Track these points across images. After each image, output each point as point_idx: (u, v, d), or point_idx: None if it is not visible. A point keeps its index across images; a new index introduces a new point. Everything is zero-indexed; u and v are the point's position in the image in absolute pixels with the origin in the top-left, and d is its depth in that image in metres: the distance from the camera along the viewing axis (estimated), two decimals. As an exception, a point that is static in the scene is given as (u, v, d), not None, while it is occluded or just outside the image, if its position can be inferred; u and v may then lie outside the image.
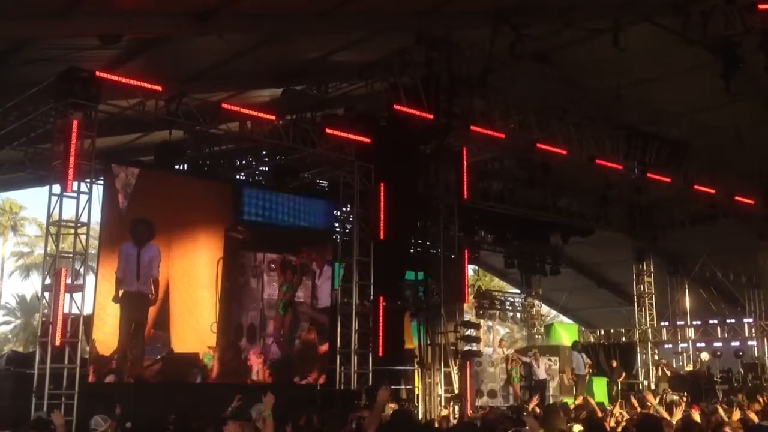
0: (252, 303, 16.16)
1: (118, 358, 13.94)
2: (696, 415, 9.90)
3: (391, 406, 12.97)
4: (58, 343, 12.30)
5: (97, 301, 13.78)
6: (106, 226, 14.40)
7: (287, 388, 15.68)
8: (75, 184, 12.85)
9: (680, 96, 19.19)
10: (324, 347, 16.88)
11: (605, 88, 18.36)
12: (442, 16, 15.67)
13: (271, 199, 16.74)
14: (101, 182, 14.32)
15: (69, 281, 12.69)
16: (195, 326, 15.28)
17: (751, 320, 26.69)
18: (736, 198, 22.92)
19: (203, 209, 15.84)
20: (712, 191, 22.30)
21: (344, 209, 18.53)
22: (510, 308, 28.54)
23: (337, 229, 18.56)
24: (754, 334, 26.52)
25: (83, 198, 13.07)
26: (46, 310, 12.96)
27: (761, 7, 13.98)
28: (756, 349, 26.42)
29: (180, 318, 14.99)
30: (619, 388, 24.80)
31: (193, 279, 15.40)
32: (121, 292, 14.13)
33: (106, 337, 13.86)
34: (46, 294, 12.92)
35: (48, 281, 12.94)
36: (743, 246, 25.30)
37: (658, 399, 15.64)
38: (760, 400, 14.61)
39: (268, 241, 16.46)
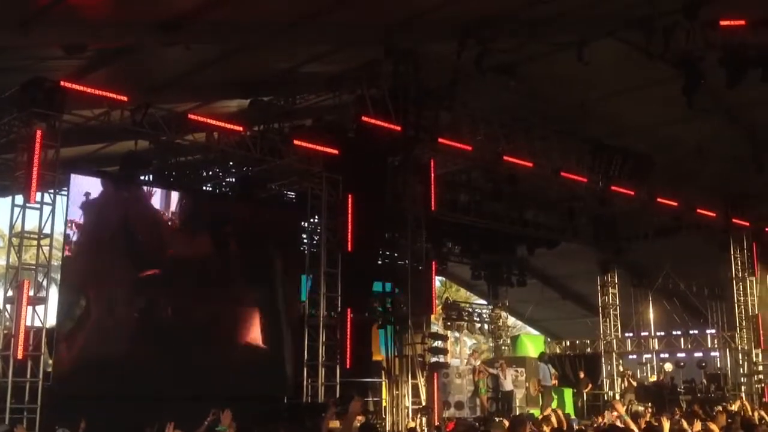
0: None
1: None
2: (666, 426, 9.99)
3: (359, 419, 12.92)
4: (20, 356, 12.14)
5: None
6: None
7: (253, 401, 15.58)
8: (38, 195, 12.71)
9: (644, 110, 19.44)
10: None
11: (570, 101, 18.59)
12: (409, 29, 15.75)
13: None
14: (65, 193, 14.15)
15: (31, 293, 12.52)
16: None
17: (713, 331, 27.06)
18: (699, 210, 23.31)
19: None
20: (675, 204, 22.66)
21: (312, 221, 18.48)
22: (477, 319, 28.66)
23: (305, 241, 18.50)
24: (716, 345, 26.89)
25: (46, 209, 12.92)
26: (8, 323, 12.77)
27: (723, 23, 14.26)
28: (718, 359, 26.78)
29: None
30: (585, 399, 25.01)
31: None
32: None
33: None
34: (8, 306, 12.73)
35: (10, 293, 12.75)
36: (706, 258, 25.67)
37: (625, 409, 15.76)
38: (720, 409, 14.81)
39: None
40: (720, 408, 16.38)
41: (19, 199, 12.87)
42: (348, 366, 16.90)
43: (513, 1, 15.01)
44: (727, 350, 26.41)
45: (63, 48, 13.75)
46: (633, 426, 9.79)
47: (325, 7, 14.05)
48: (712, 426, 11.01)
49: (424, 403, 17.94)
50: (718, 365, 26.54)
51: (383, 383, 18.65)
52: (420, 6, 14.93)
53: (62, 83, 13.01)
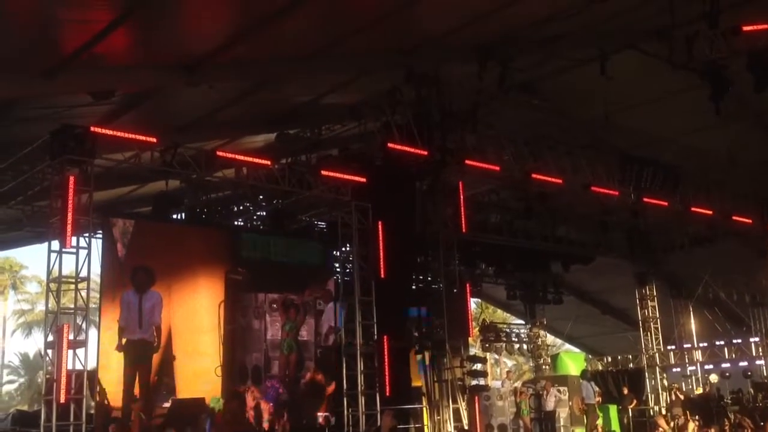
0: (256, 344, 16.19)
1: (123, 406, 13.87)
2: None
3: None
4: (63, 400, 12.21)
5: (100, 351, 13.77)
6: (107, 276, 14.42)
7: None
8: (74, 240, 12.87)
9: (671, 119, 19.31)
10: (331, 387, 16.77)
11: (595, 115, 18.51)
12: (427, 53, 15.85)
13: (270, 240, 16.82)
14: (100, 236, 14.34)
15: (71, 337, 12.64)
16: (199, 371, 15.26)
17: (757, 339, 26.54)
18: (734, 218, 22.99)
19: (202, 253, 15.92)
20: (710, 212, 22.36)
21: (344, 249, 18.52)
22: (516, 340, 28.41)
23: (338, 270, 18.53)
24: (761, 353, 26.36)
25: (82, 253, 13.07)
26: (49, 368, 12.89)
27: (745, 29, 14.13)
28: (764, 368, 26.23)
29: (184, 363, 14.99)
30: (630, 415, 24.59)
31: (196, 323, 15.42)
32: (124, 341, 14.14)
33: (111, 386, 13.80)
34: (49, 351, 12.87)
35: (50, 338, 12.88)
36: (745, 265, 25.26)
37: (672, 424, 15.51)
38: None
39: (269, 281, 16.49)
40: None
41: (55, 244, 12.99)
42: (388, 393, 16.81)
43: (531, 19, 15.05)
44: (773, 358, 25.90)
45: (90, 94, 14.00)
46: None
47: (343, 36, 14.19)
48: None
49: (466, 427, 17.77)
50: (764, 373, 25.99)
51: (424, 409, 18.53)
52: (438, 30, 15.03)
53: (92, 129, 13.18)
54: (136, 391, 14.13)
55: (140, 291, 14.58)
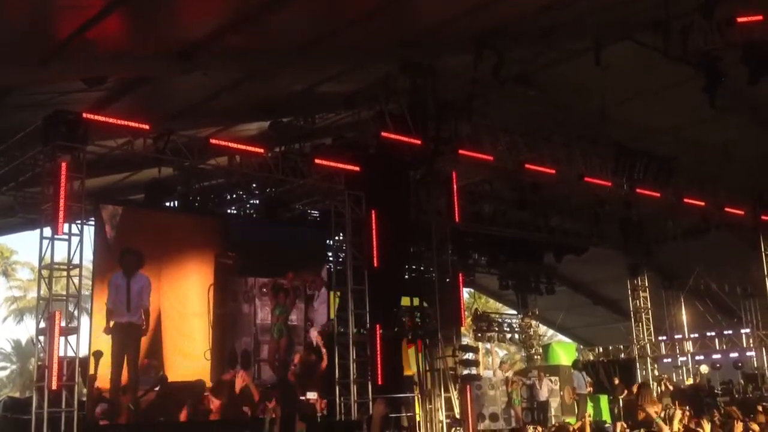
0: (245, 328, 16.12)
1: (112, 389, 13.85)
2: (707, 428, 9.87)
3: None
4: (54, 387, 12.22)
5: (92, 336, 13.75)
6: (97, 259, 14.37)
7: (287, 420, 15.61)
8: (66, 226, 12.83)
9: (665, 111, 19.31)
10: (323, 363, 16.77)
11: (590, 107, 18.50)
12: (423, 45, 15.79)
13: (262, 227, 16.80)
14: (92, 223, 14.29)
15: (63, 324, 12.63)
16: (188, 355, 15.22)
17: (748, 330, 26.68)
18: (727, 209, 23.05)
19: (192, 237, 15.86)
20: (702, 204, 22.42)
21: (337, 238, 18.51)
22: (508, 329, 28.49)
23: (331, 259, 18.52)
24: (752, 345, 26.50)
25: (74, 239, 13.03)
26: (41, 354, 12.87)
27: (740, 20, 14.13)
28: (755, 359, 26.38)
29: (173, 347, 14.93)
30: (620, 405, 24.70)
31: (185, 307, 15.34)
32: (112, 324, 14.06)
33: (99, 369, 13.76)
34: (41, 338, 12.84)
35: (42, 325, 12.86)
36: (737, 257, 25.38)
37: (663, 414, 15.53)
38: (760, 409, 14.56)
39: (259, 265, 16.43)
40: (760, 408, 16.12)
41: (47, 231, 12.98)
42: (380, 382, 16.84)
43: (527, 9, 15.01)
44: (763, 349, 26.01)
45: (83, 81, 13.92)
46: (666, 428, 9.65)
47: (339, 27, 14.12)
48: (753, 426, 10.85)
49: (458, 416, 17.83)
50: (755, 365, 26.14)
51: (416, 398, 18.58)
52: (434, 21, 14.97)
53: (84, 115, 13.13)
54: (124, 374, 14.08)
55: (128, 273, 14.49)
